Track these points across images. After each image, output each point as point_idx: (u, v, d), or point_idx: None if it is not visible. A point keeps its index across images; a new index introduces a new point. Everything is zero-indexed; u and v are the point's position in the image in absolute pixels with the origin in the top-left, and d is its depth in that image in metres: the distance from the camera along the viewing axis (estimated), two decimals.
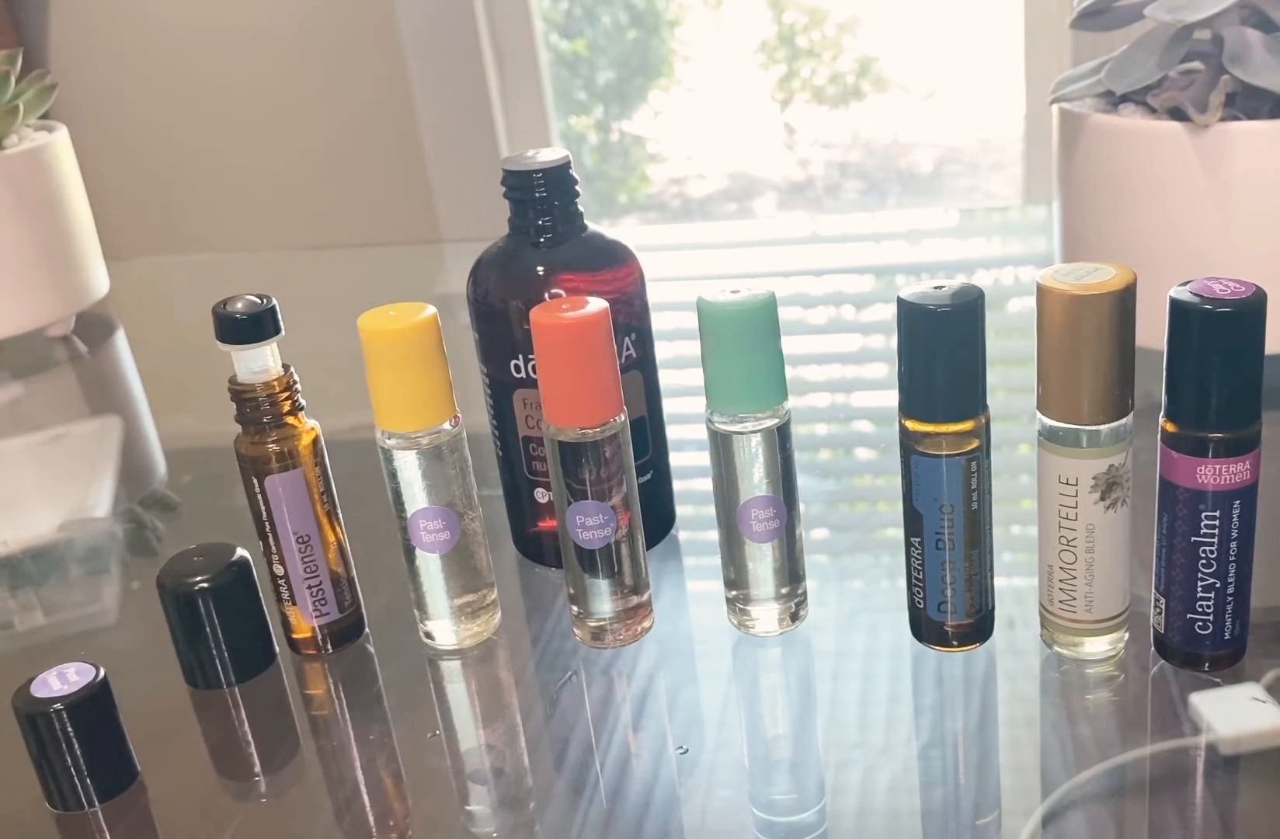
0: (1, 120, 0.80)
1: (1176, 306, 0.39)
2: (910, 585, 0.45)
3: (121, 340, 0.91)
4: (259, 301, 0.45)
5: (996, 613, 0.46)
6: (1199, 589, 0.42)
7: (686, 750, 0.43)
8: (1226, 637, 0.43)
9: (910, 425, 0.42)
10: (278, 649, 0.50)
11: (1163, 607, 0.43)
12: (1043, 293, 0.40)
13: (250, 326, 0.45)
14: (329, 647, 0.49)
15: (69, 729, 0.41)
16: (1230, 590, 0.42)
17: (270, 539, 0.47)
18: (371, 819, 0.42)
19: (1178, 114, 0.61)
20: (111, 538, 0.63)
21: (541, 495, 0.52)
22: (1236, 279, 0.39)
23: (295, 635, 0.49)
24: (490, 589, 0.49)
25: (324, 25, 1.61)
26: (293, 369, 0.46)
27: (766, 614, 0.48)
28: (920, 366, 0.41)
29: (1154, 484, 0.42)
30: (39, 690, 0.42)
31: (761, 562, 0.47)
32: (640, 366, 0.51)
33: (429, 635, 0.49)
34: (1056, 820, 0.39)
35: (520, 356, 0.50)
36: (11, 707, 0.42)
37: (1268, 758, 0.41)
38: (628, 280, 0.51)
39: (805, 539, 0.49)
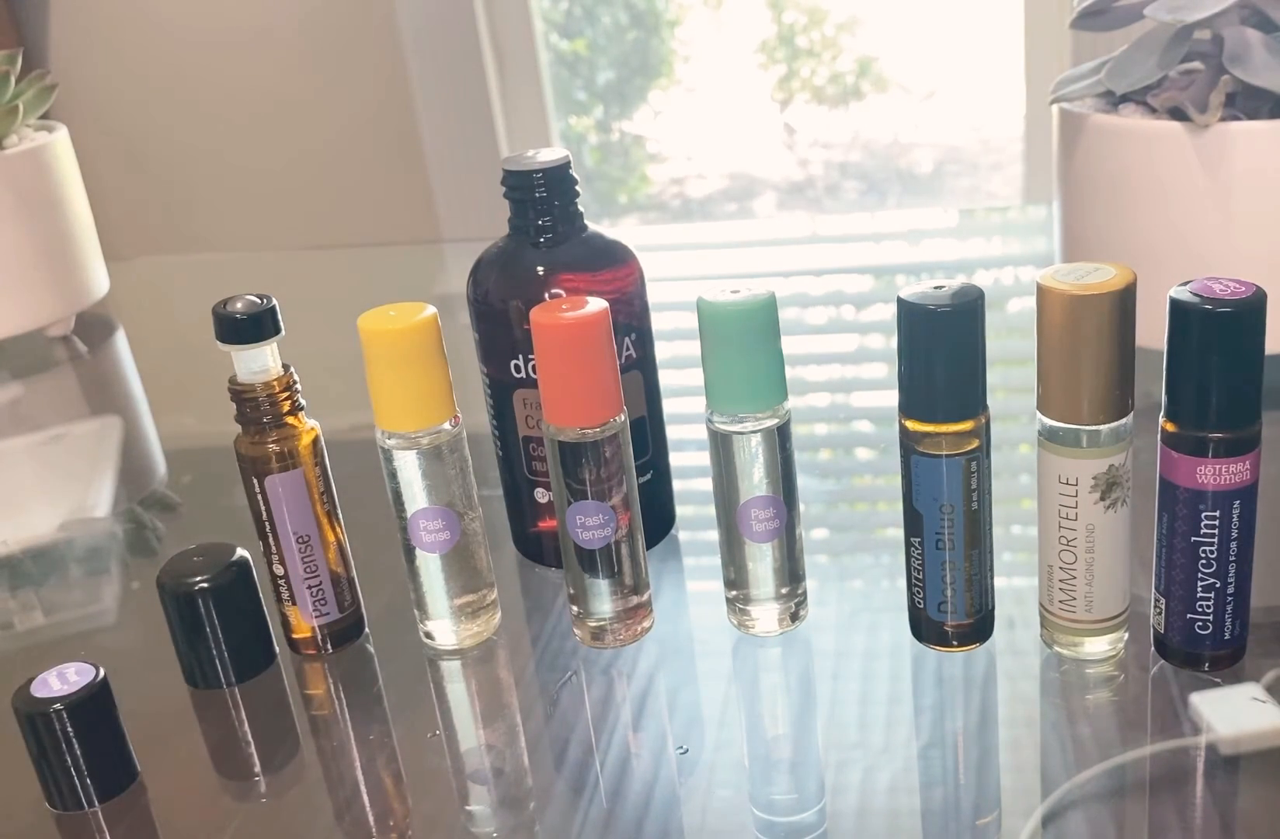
0: (1, 120, 0.80)
1: (1176, 306, 0.39)
2: (910, 585, 0.45)
3: (121, 340, 0.91)
4: (259, 301, 0.45)
5: (996, 613, 0.46)
6: (1199, 589, 0.42)
7: (686, 750, 0.43)
8: (1226, 637, 0.43)
9: (910, 425, 0.42)
10: (278, 649, 0.50)
11: (1163, 607, 0.43)
12: (1043, 293, 0.40)
13: (250, 326, 0.45)
14: (329, 647, 0.49)
15: (69, 729, 0.41)
16: (1230, 590, 0.42)
17: (270, 539, 0.47)
18: (371, 819, 0.42)
19: (1178, 114, 0.61)
20: (111, 538, 0.63)
21: (541, 495, 0.52)
22: (1236, 279, 0.39)
23: (295, 635, 0.49)
24: (490, 589, 0.49)
25: (324, 25, 1.61)
26: (293, 369, 0.46)
27: (766, 614, 0.48)
28: (920, 366, 0.41)
29: (1154, 484, 0.42)
30: (39, 690, 0.42)
31: (761, 562, 0.47)
32: (640, 366, 0.51)
33: (429, 635, 0.49)
34: (1056, 820, 0.39)
35: (520, 356, 0.50)
36: (11, 707, 0.42)
37: (1268, 758, 0.41)
38: (628, 280, 0.51)
39: (805, 539, 0.49)
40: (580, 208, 0.50)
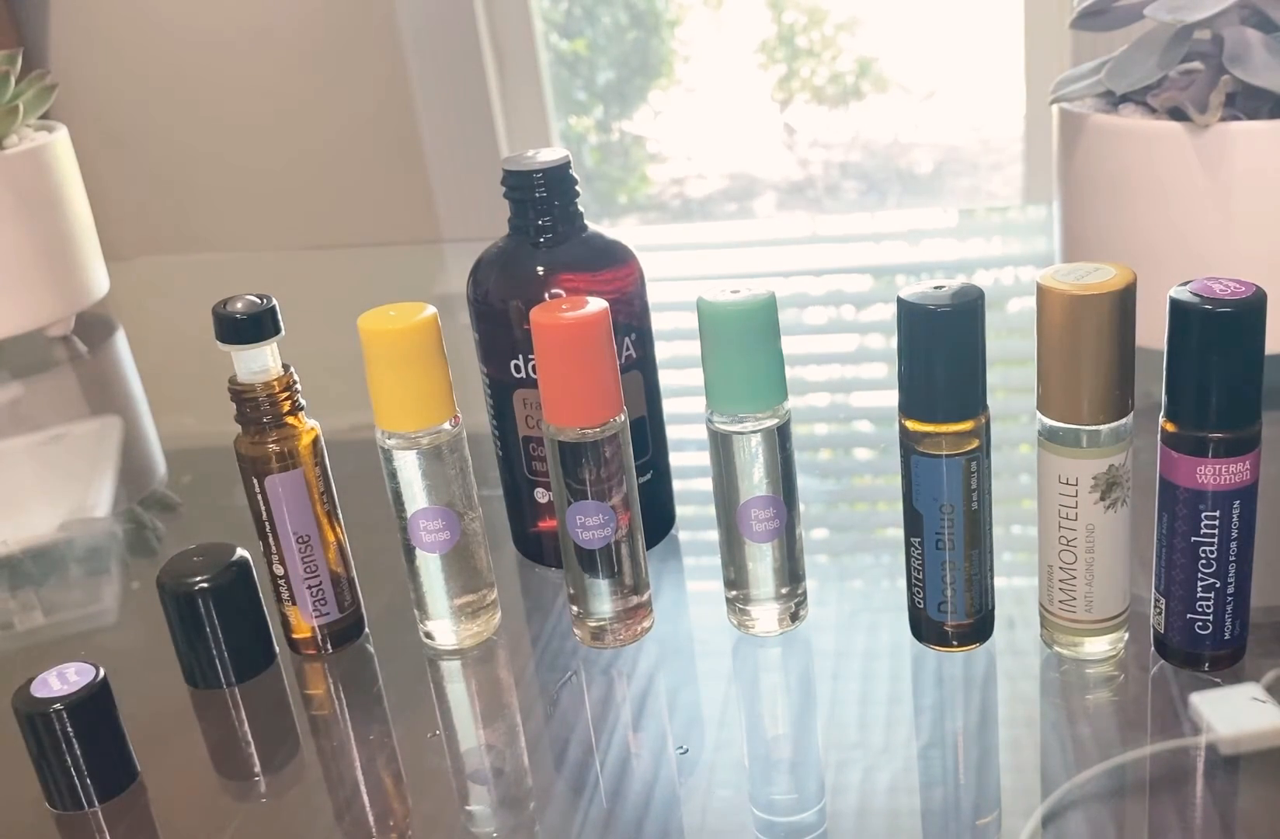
0: (1, 120, 0.80)
1: (1176, 306, 0.39)
2: (910, 585, 0.45)
3: (121, 340, 0.91)
4: (259, 301, 0.45)
5: (996, 613, 0.46)
6: (1199, 589, 0.42)
7: (686, 750, 0.43)
8: (1226, 637, 0.43)
9: (910, 425, 0.42)
10: (278, 649, 0.50)
11: (1163, 607, 0.43)
12: (1043, 293, 0.40)
13: (250, 326, 0.45)
14: (329, 647, 0.49)
15: (69, 729, 0.41)
16: (1230, 590, 0.42)
17: (270, 539, 0.47)
18: (371, 819, 0.42)
19: (1178, 114, 0.61)
20: (111, 538, 0.63)
21: (541, 495, 0.52)
22: (1236, 279, 0.39)
23: (295, 635, 0.49)
24: (490, 589, 0.49)
25: (324, 25, 1.61)
26: (293, 369, 0.46)
27: (766, 614, 0.48)
28: (920, 366, 0.41)
29: (1154, 484, 0.42)
30: (39, 690, 0.42)
31: (761, 562, 0.47)
32: (640, 366, 0.51)
33: (429, 635, 0.49)
34: (1056, 820, 0.39)
35: (520, 356, 0.50)
36: (11, 707, 0.42)
37: (1268, 758, 0.41)
38: (628, 280, 0.51)
39: (805, 539, 0.49)
40: (580, 208, 0.50)
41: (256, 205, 1.71)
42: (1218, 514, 0.40)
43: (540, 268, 0.49)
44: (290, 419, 0.46)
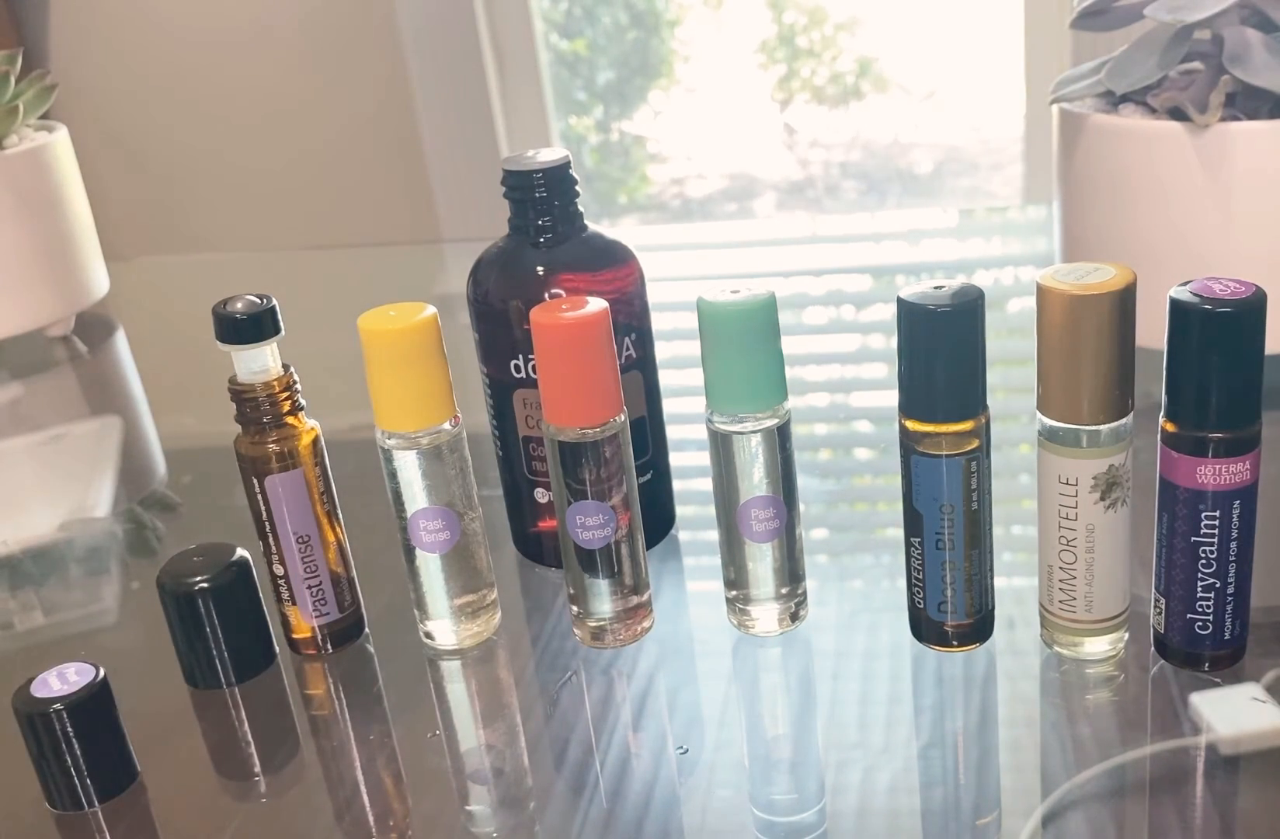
0: (1, 120, 0.80)
1: (1176, 306, 0.39)
2: (910, 585, 0.45)
3: (121, 340, 0.91)
4: (259, 301, 0.45)
5: (996, 613, 0.46)
6: (1199, 589, 0.42)
7: (686, 750, 0.43)
8: (1226, 637, 0.43)
9: (910, 425, 0.42)
10: (278, 649, 0.50)
11: (1163, 607, 0.43)
12: (1043, 293, 0.40)
13: (250, 326, 0.45)
14: (329, 647, 0.49)
15: (69, 729, 0.41)
16: (1230, 590, 0.42)
17: (270, 539, 0.47)
18: (371, 819, 0.42)
19: (1178, 114, 0.61)
20: (111, 538, 0.63)
21: (541, 495, 0.52)
22: (1236, 279, 0.39)
23: (295, 635, 0.49)
24: (490, 589, 0.49)
25: (324, 25, 1.61)
26: (293, 369, 0.46)
27: (766, 614, 0.48)
28: (920, 366, 0.41)
29: (1154, 484, 0.42)
30: (39, 690, 0.42)
31: (761, 562, 0.47)
32: (640, 366, 0.51)
33: (429, 635, 0.49)
34: (1056, 820, 0.39)
35: (520, 356, 0.50)
36: (11, 707, 0.42)
37: (1268, 758, 0.41)
38: (628, 280, 0.51)
39: (805, 539, 0.49)
40: (580, 208, 0.50)
41: (256, 205, 1.71)
42: (1218, 514, 0.40)
43: (540, 268, 0.49)
44: (290, 419, 0.46)
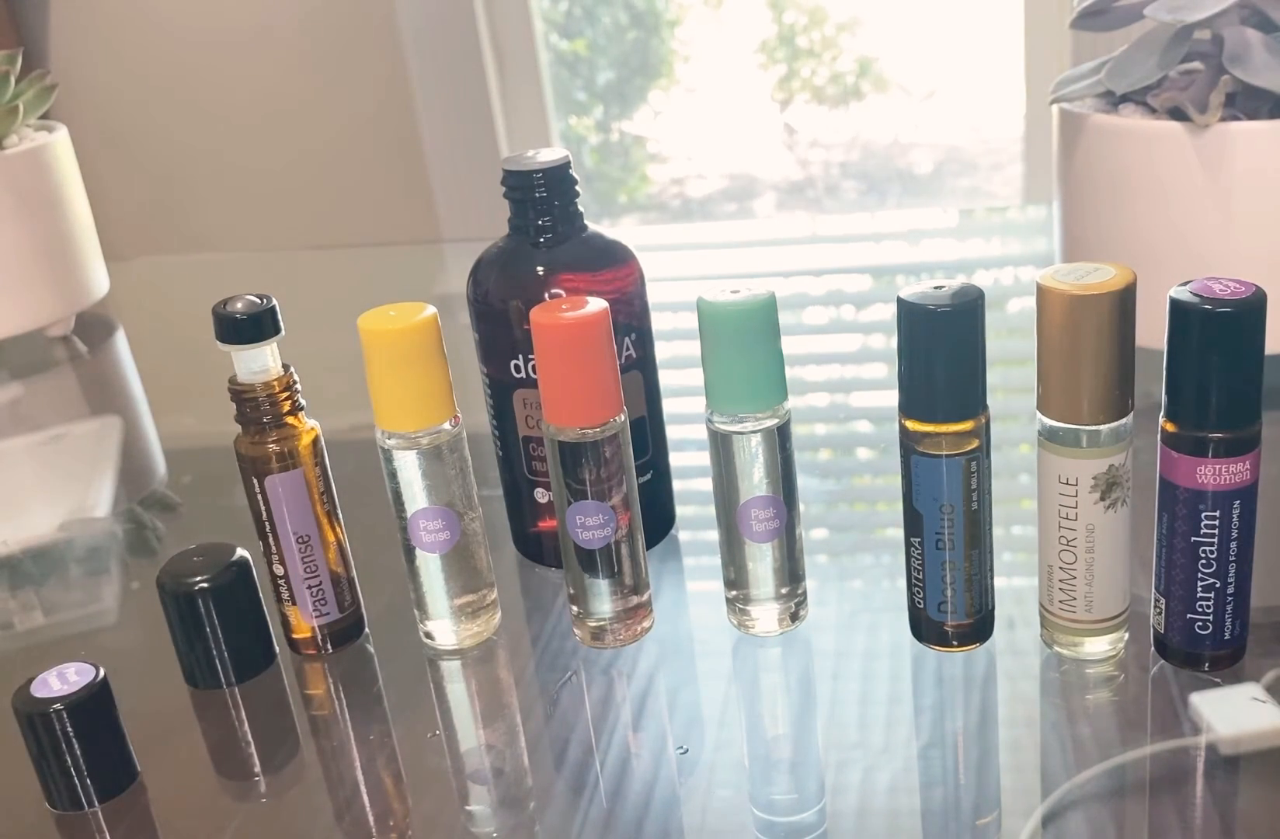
0: (1, 120, 0.80)
1: (1176, 306, 0.39)
2: (910, 585, 0.45)
3: (121, 340, 0.91)
4: (259, 301, 0.45)
5: (996, 613, 0.46)
6: (1199, 589, 0.42)
7: (686, 750, 0.43)
8: (1226, 637, 0.43)
9: (910, 425, 0.42)
10: (278, 649, 0.50)
11: (1163, 607, 0.43)
12: (1043, 293, 0.40)
13: (250, 326, 0.45)
14: (329, 647, 0.49)
15: (69, 729, 0.41)
16: (1230, 590, 0.42)
17: (270, 539, 0.47)
18: (371, 819, 0.42)
19: (1178, 114, 0.61)
20: (111, 538, 0.63)
21: (541, 495, 0.52)
22: (1236, 279, 0.39)
23: (295, 635, 0.49)
24: (490, 589, 0.49)
25: (324, 25, 1.61)
26: (293, 369, 0.46)
27: (766, 614, 0.48)
28: (920, 366, 0.41)
29: (1154, 484, 0.42)
30: (39, 690, 0.42)
31: (761, 562, 0.47)
32: (640, 366, 0.51)
33: (429, 635, 0.49)
34: (1056, 820, 0.39)
35: (520, 356, 0.50)
36: (11, 707, 0.42)
37: (1268, 758, 0.41)
38: (628, 280, 0.51)
39: (805, 539, 0.49)
40: (580, 208, 0.50)
41: (256, 205, 1.71)
42: (1218, 514, 0.40)
43: (540, 268, 0.49)
44: (290, 419, 0.46)
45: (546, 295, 0.49)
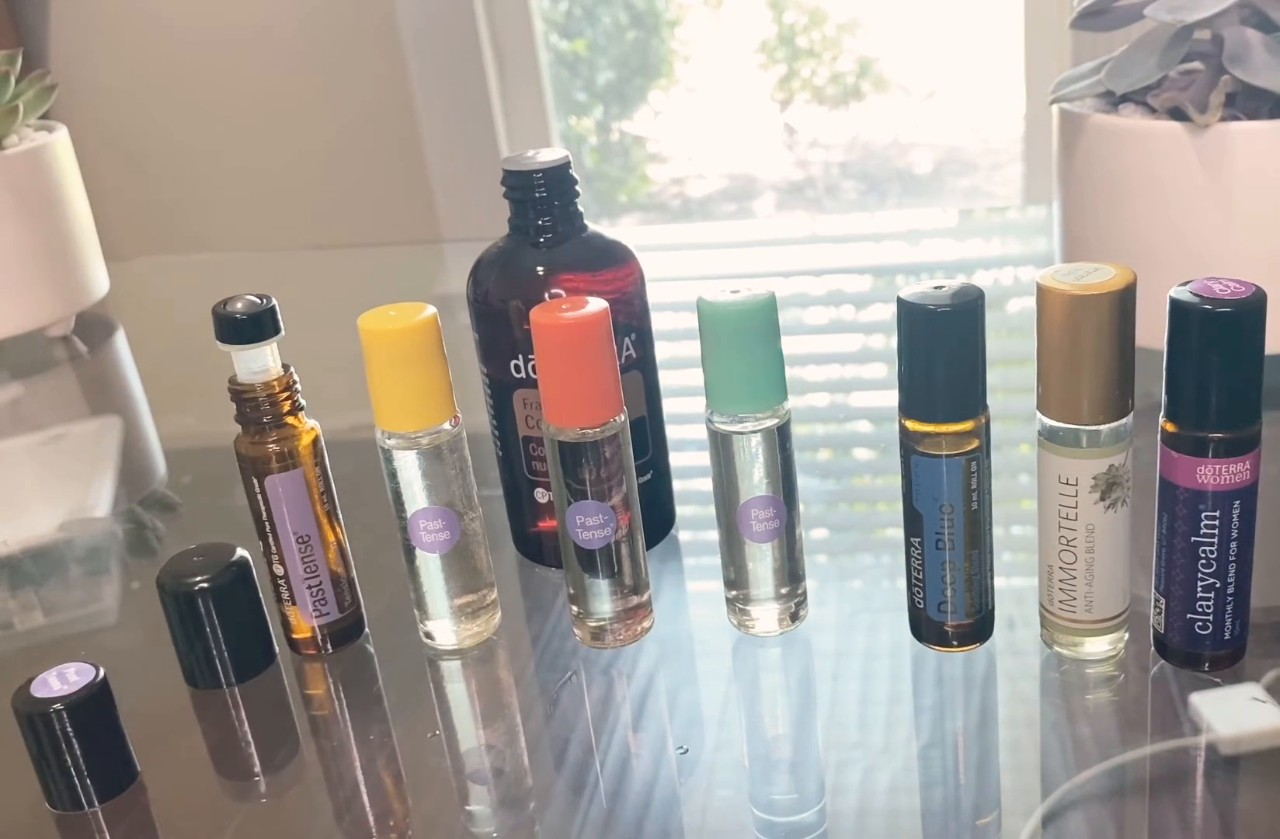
0: (1, 120, 0.80)
1: (1176, 306, 0.39)
2: (910, 585, 0.45)
3: (121, 340, 0.91)
4: (259, 301, 0.45)
5: (996, 613, 0.46)
6: (1199, 589, 0.42)
7: (686, 750, 0.43)
8: (1226, 637, 0.43)
9: (910, 425, 0.42)
10: (278, 649, 0.50)
11: (1163, 607, 0.43)
12: (1043, 293, 0.40)
13: (250, 326, 0.45)
14: (329, 647, 0.49)
15: (69, 729, 0.41)
16: (1230, 590, 0.42)
17: (270, 539, 0.47)
18: (371, 819, 0.42)
19: (1178, 114, 0.61)
20: (111, 538, 0.63)
21: (541, 495, 0.52)
22: (1236, 279, 0.39)
23: (295, 635, 0.49)
24: (490, 589, 0.49)
25: (324, 25, 1.61)
26: (293, 369, 0.46)
27: (766, 614, 0.48)
28: (920, 366, 0.41)
29: (1154, 484, 0.42)
30: (39, 690, 0.42)
31: (761, 562, 0.47)
32: (640, 366, 0.51)
33: (429, 635, 0.49)
34: (1056, 820, 0.39)
35: (520, 356, 0.50)
36: (11, 707, 0.42)
37: (1268, 758, 0.41)
38: (628, 280, 0.51)
39: (805, 539, 0.49)
40: (580, 208, 0.50)
41: (256, 205, 1.71)
42: (1218, 514, 0.40)
43: (540, 268, 0.49)
44: (290, 419, 0.46)
45: (546, 295, 0.49)
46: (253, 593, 0.49)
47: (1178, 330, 0.39)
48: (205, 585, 0.47)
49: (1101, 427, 0.41)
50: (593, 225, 0.51)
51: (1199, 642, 0.43)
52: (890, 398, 0.44)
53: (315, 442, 0.47)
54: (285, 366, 0.46)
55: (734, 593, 0.48)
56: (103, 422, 0.79)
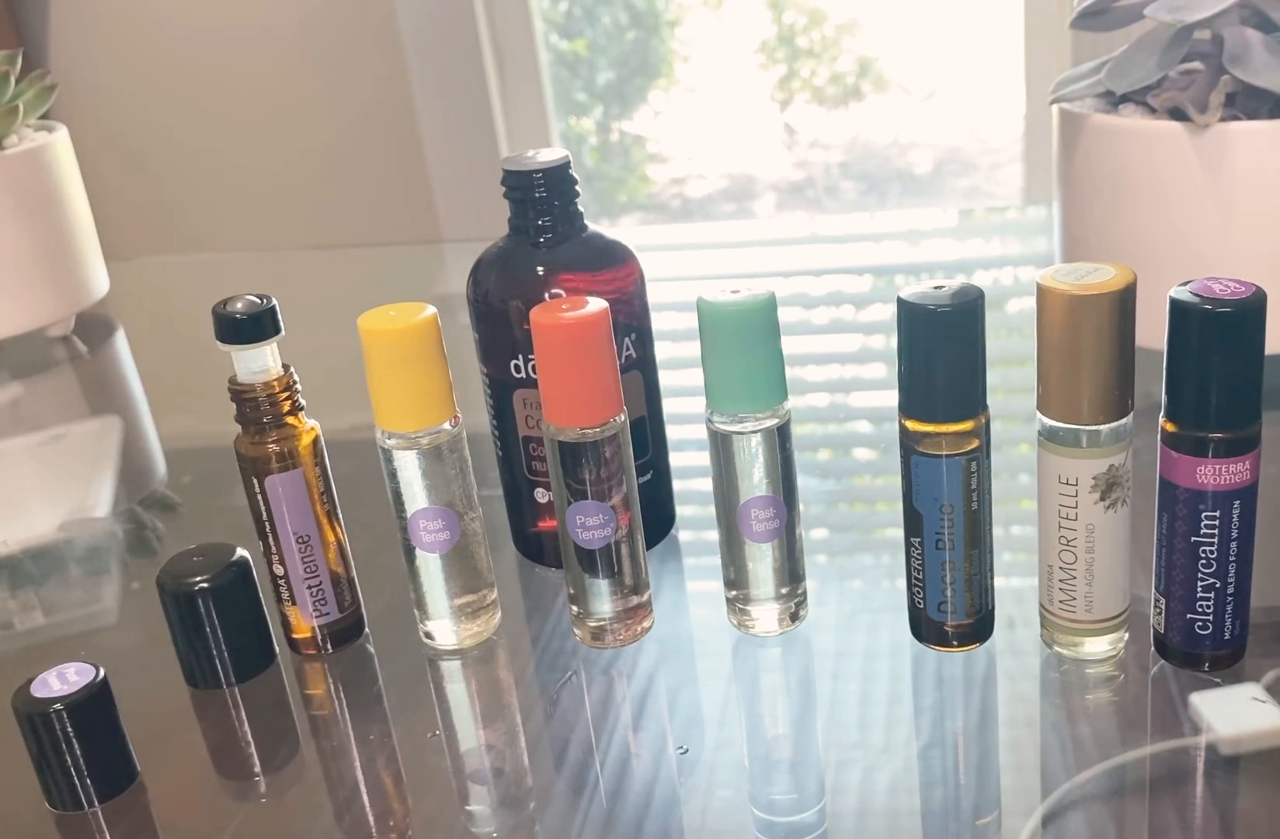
0: (1, 120, 0.80)
1: (1176, 306, 0.39)
2: (910, 585, 0.45)
3: (121, 340, 0.91)
4: (259, 301, 0.45)
5: (996, 613, 0.46)
6: (1199, 589, 0.42)
7: (686, 750, 0.43)
8: (1226, 637, 0.43)
9: (910, 425, 0.42)
10: (278, 649, 0.50)
11: (1163, 607, 0.43)
12: (1043, 293, 0.40)
13: (250, 326, 0.45)
14: (329, 647, 0.49)
15: (69, 729, 0.41)
16: (1230, 590, 0.42)
17: (270, 539, 0.47)
18: (371, 819, 0.42)
19: (1178, 114, 0.61)
20: (111, 538, 0.63)
21: (541, 495, 0.52)
22: (1236, 279, 0.39)
23: (295, 635, 0.49)
24: (490, 589, 0.49)
25: (324, 25, 1.61)
26: (293, 369, 0.46)
27: (766, 614, 0.48)
28: (920, 366, 0.41)
29: (1154, 484, 0.42)
30: (39, 690, 0.42)
31: (761, 562, 0.47)
32: (640, 366, 0.51)
33: (429, 635, 0.49)
34: (1056, 820, 0.39)
35: (520, 356, 0.50)
36: (11, 707, 0.42)
37: (1268, 758, 0.41)
38: (628, 280, 0.51)
39: (805, 539, 0.49)
40: (580, 208, 0.50)
41: (256, 205, 1.71)
42: (1218, 514, 0.40)
43: (540, 268, 0.49)
44: (290, 419, 0.46)
45: (546, 295, 0.49)
46: (253, 593, 0.49)
47: (1178, 330, 0.39)
48: (205, 585, 0.47)
49: (1101, 427, 0.41)
50: (593, 225, 0.51)
51: (1199, 642, 0.43)
52: (890, 398, 0.44)
53: (315, 442, 0.47)
54: (285, 366, 0.46)
55: (734, 593, 0.48)
56: (103, 421, 0.79)
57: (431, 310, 0.44)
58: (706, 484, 0.48)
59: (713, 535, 0.48)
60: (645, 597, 0.48)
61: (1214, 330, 0.38)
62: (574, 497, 0.45)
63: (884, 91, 2.01)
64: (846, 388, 0.77)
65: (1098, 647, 0.44)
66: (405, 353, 0.44)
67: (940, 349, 0.41)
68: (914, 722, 0.44)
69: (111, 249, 0.93)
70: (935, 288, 0.41)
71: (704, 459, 0.47)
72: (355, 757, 0.45)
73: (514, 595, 0.53)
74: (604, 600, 0.47)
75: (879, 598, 0.51)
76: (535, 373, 0.48)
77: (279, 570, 0.48)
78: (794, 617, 0.48)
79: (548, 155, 0.49)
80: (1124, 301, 0.39)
